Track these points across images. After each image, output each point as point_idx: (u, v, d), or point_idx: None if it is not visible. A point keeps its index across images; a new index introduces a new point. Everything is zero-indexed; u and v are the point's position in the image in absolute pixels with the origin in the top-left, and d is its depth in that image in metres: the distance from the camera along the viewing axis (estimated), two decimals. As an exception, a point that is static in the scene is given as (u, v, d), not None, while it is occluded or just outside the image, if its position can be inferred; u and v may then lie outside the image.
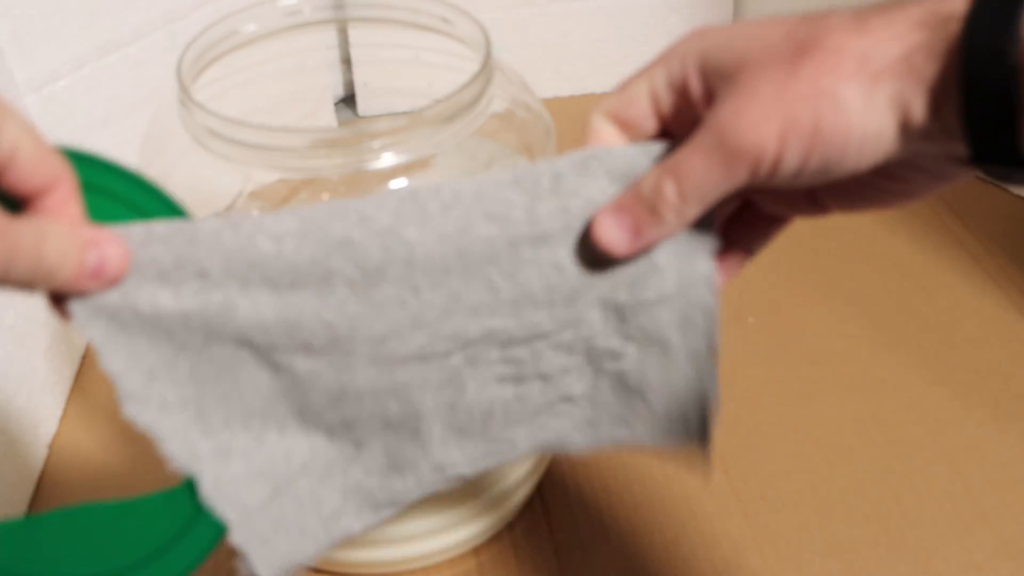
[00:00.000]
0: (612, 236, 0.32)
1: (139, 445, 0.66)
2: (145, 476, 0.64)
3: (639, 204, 0.32)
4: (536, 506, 0.61)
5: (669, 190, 0.31)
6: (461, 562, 0.58)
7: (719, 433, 0.64)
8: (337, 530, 0.37)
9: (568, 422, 0.38)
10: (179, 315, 0.30)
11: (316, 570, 0.57)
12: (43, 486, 0.64)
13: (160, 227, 0.29)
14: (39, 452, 0.65)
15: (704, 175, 0.31)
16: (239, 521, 0.34)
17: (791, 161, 0.30)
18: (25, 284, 0.27)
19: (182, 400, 0.32)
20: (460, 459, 0.37)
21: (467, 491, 0.54)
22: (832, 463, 0.63)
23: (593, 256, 0.33)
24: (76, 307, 0.29)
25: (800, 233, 0.82)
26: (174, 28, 0.76)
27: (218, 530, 0.34)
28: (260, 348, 0.31)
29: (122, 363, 0.31)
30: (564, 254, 0.32)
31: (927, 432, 0.65)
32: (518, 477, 0.56)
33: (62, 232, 0.27)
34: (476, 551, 0.58)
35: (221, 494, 0.33)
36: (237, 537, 0.34)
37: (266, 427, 0.34)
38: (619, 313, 0.34)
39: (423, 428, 0.35)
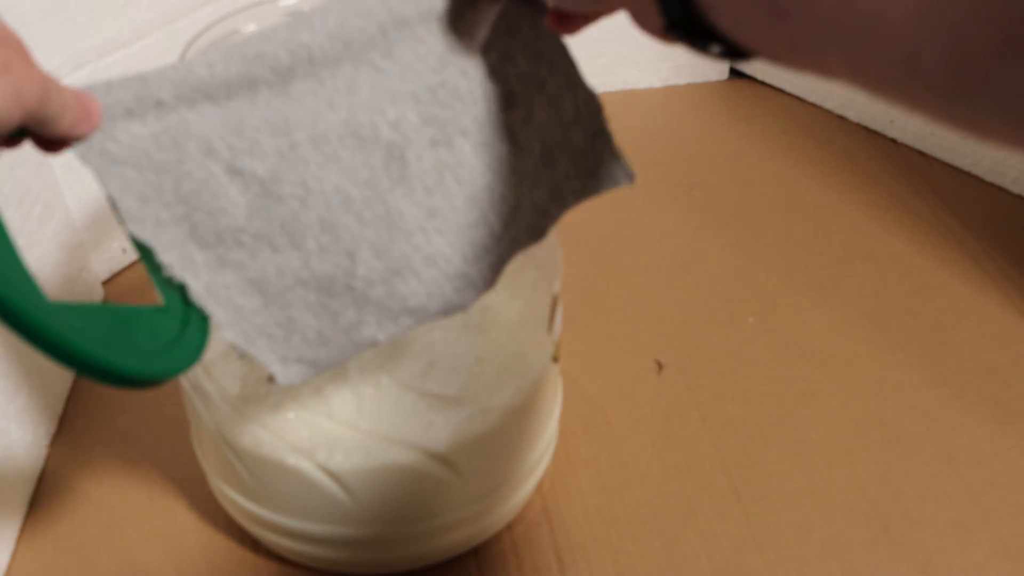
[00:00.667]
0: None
1: (139, 445, 0.66)
2: (145, 476, 0.64)
3: None
4: (536, 506, 0.61)
5: None
6: (461, 561, 0.58)
7: (719, 433, 0.64)
8: (361, 339, 0.42)
9: (500, 174, 0.43)
10: (150, 137, 0.37)
11: (316, 569, 0.57)
12: (43, 486, 0.64)
13: (115, 79, 0.37)
14: (39, 452, 0.65)
15: None
16: (232, 320, 0.39)
17: None
18: (44, 122, 0.33)
19: (175, 218, 0.38)
20: (444, 245, 0.42)
21: (467, 491, 0.54)
22: (832, 463, 0.63)
23: (446, 30, 0.41)
24: (78, 149, 0.36)
25: (800, 233, 0.82)
26: (174, 28, 0.76)
27: (205, 330, 0.38)
28: (222, 157, 0.38)
29: (118, 190, 0.37)
30: (423, 31, 0.41)
31: (927, 432, 0.65)
32: (518, 477, 0.56)
33: (64, 88, 0.34)
34: (476, 551, 0.58)
35: (213, 298, 0.39)
36: (231, 334, 0.39)
37: (258, 245, 0.39)
38: (492, 67, 0.43)
39: (397, 220, 0.41)
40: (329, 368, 0.42)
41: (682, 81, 1.04)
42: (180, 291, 0.39)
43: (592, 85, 0.48)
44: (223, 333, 0.39)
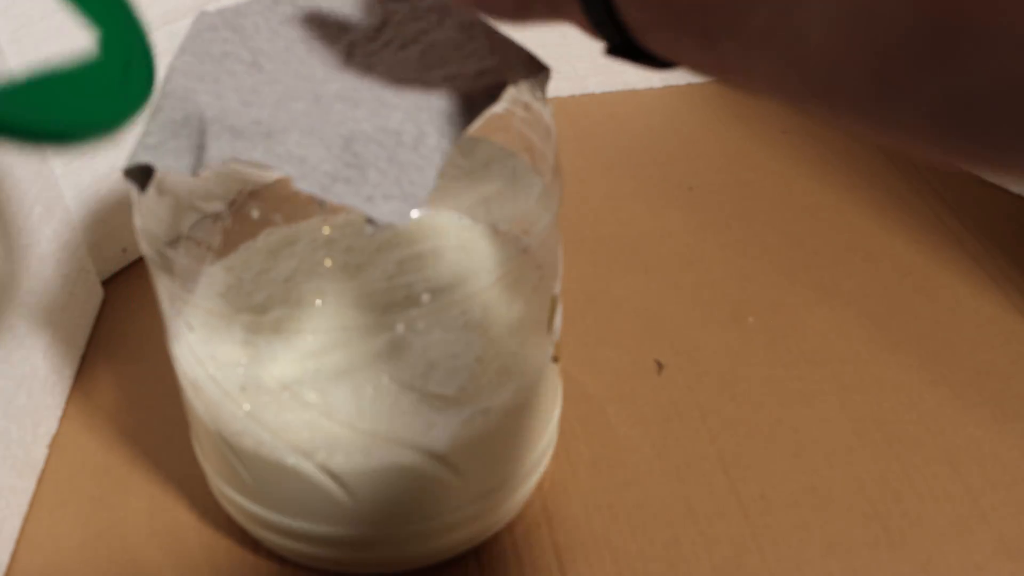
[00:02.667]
0: None
1: (139, 445, 0.66)
2: (145, 476, 0.64)
3: None
4: (536, 506, 0.61)
5: None
6: (461, 562, 0.58)
7: (719, 433, 0.64)
8: (429, 151, 0.42)
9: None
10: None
11: (316, 569, 0.57)
12: (43, 486, 0.64)
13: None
14: (39, 452, 0.65)
15: None
16: (301, 172, 0.40)
17: None
18: None
19: (218, 94, 0.43)
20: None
21: (468, 491, 0.54)
22: (832, 463, 0.63)
23: None
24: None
25: (800, 233, 0.82)
26: (174, 28, 0.76)
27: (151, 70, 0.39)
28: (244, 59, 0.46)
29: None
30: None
31: (927, 432, 0.65)
32: (518, 477, 0.56)
33: None
34: (476, 551, 0.58)
35: (274, 156, 0.40)
36: (304, 185, 0.39)
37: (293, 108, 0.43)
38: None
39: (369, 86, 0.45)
40: (422, 199, 0.41)
41: (682, 81, 1.04)
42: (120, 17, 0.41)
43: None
44: (296, 185, 0.39)
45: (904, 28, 0.21)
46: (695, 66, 0.30)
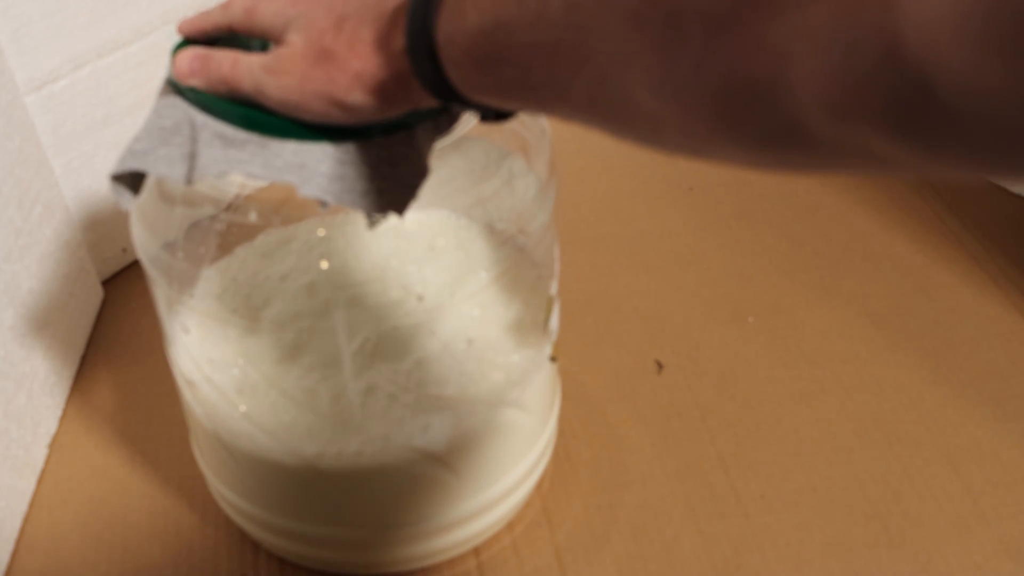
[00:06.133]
0: (180, 63, 0.43)
1: (139, 445, 0.66)
2: (145, 476, 0.64)
3: (208, 62, 0.42)
4: (536, 506, 0.61)
5: (226, 71, 0.42)
6: (461, 562, 0.58)
7: (719, 433, 0.64)
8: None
9: None
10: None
11: (316, 570, 0.57)
12: (43, 486, 0.64)
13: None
14: (39, 452, 0.65)
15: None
16: (302, 179, 0.41)
17: None
18: None
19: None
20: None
21: (466, 491, 0.54)
22: (832, 463, 0.63)
23: None
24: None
25: (800, 233, 0.82)
26: (174, 28, 0.76)
27: None
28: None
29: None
30: None
31: (927, 432, 0.65)
32: (517, 475, 0.56)
33: None
34: (476, 551, 0.58)
35: (272, 169, 0.41)
36: (306, 191, 0.40)
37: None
38: None
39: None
40: (418, 189, 0.41)
41: (682, 81, 1.04)
42: None
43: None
44: (300, 193, 0.40)
45: (699, 98, 0.28)
46: (522, 113, 0.39)
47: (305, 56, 0.39)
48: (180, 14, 0.77)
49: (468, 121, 0.45)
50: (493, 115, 0.40)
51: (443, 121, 0.43)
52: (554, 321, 0.56)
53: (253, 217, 0.51)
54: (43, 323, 0.67)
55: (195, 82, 0.42)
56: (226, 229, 0.53)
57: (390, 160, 0.41)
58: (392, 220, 0.41)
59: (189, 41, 0.46)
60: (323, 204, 0.40)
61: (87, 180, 0.74)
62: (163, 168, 0.41)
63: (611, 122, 0.32)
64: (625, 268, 0.79)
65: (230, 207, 0.50)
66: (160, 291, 0.51)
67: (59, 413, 0.68)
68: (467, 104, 0.38)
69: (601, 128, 0.33)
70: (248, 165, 0.41)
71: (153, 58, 0.75)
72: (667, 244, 0.81)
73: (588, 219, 0.85)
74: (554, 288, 0.56)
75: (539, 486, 0.61)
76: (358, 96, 0.38)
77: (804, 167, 0.31)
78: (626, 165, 0.91)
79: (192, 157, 0.41)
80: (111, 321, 0.76)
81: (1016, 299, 0.74)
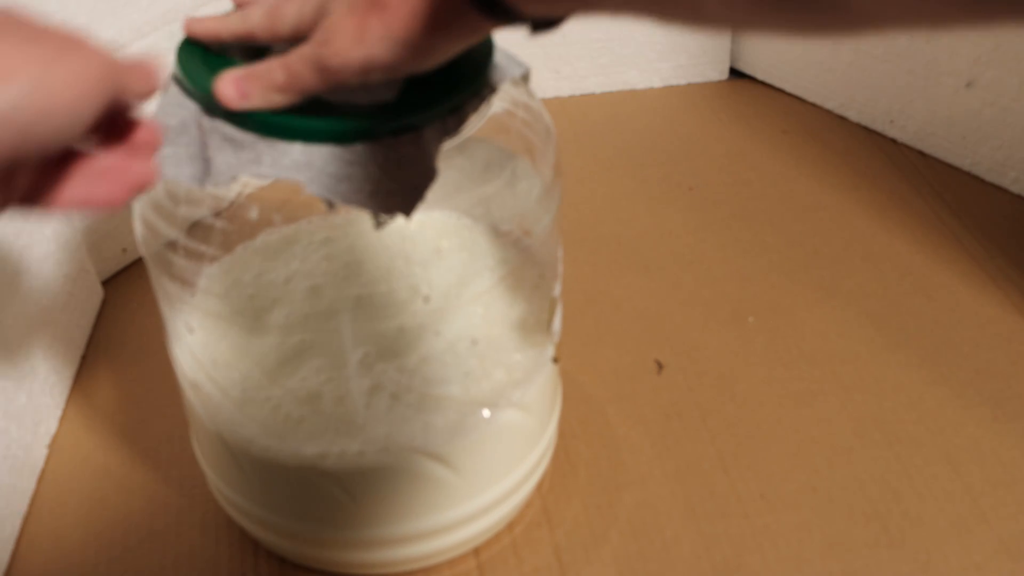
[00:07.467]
0: (226, 91, 0.41)
1: (139, 445, 0.66)
2: (145, 476, 0.64)
3: (255, 80, 0.41)
4: (536, 506, 0.61)
5: (279, 78, 0.41)
6: (461, 562, 0.58)
7: (719, 433, 0.64)
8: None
9: None
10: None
11: (316, 570, 0.57)
12: (43, 486, 0.64)
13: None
14: (39, 452, 0.65)
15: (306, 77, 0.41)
16: (309, 178, 0.41)
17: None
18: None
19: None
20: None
21: (467, 491, 0.54)
22: (832, 463, 0.63)
23: None
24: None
25: (800, 233, 0.82)
26: (174, 28, 0.76)
27: None
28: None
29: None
30: None
31: (927, 432, 0.65)
32: (518, 476, 0.56)
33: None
34: (476, 551, 0.58)
35: (281, 169, 0.41)
36: (313, 190, 0.41)
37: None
38: None
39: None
40: (425, 191, 0.41)
41: (682, 81, 1.04)
42: None
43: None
44: (307, 191, 0.40)
45: None
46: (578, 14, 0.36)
47: (353, 12, 0.38)
48: (180, 14, 0.77)
49: (475, 123, 0.45)
50: (543, 24, 0.38)
51: (450, 122, 0.43)
52: (557, 322, 0.56)
53: (255, 215, 0.51)
54: (43, 323, 0.67)
55: (249, 104, 0.41)
56: (228, 228, 0.52)
57: (398, 161, 0.41)
58: (398, 221, 0.41)
59: (195, 44, 0.46)
60: (329, 205, 0.40)
61: (87, 180, 0.74)
62: (169, 169, 0.41)
63: (655, 3, 0.32)
64: (625, 268, 0.79)
65: (232, 205, 0.50)
66: (163, 290, 0.51)
67: (59, 413, 0.68)
68: (517, 17, 0.37)
69: (643, 12, 0.33)
70: (257, 165, 0.41)
71: (153, 58, 0.74)
72: (667, 244, 0.82)
73: (588, 219, 0.85)
74: (557, 289, 0.56)
75: (539, 486, 0.61)
76: (418, 30, 0.38)
77: (847, 27, 0.29)
78: (626, 165, 0.91)
79: (203, 161, 0.41)
80: (111, 321, 0.76)
81: (1016, 299, 0.74)
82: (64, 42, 0.34)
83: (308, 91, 0.41)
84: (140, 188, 0.36)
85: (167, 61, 0.45)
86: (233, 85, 0.41)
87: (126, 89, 0.36)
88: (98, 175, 0.35)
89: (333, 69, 0.39)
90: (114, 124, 0.37)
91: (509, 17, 0.37)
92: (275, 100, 0.41)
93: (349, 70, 0.39)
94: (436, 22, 0.37)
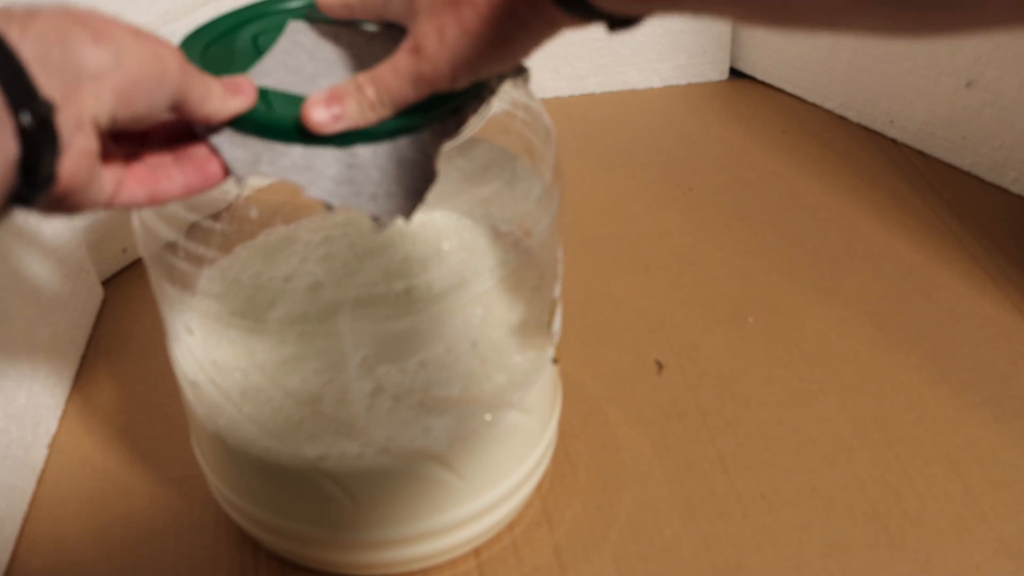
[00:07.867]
0: (318, 116, 0.41)
1: (139, 445, 0.66)
2: (145, 476, 0.64)
3: (345, 99, 0.41)
4: (536, 506, 0.61)
5: (371, 94, 0.41)
6: (461, 562, 0.58)
7: (719, 433, 0.64)
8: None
9: None
10: None
11: (315, 571, 0.57)
12: (43, 486, 0.64)
13: None
14: (39, 452, 0.65)
15: (398, 89, 0.41)
16: (308, 181, 0.41)
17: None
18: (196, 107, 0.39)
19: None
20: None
21: (467, 492, 0.54)
22: (832, 463, 0.63)
23: None
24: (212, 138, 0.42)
25: (801, 233, 0.82)
26: (174, 28, 0.76)
27: None
28: None
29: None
30: None
31: (927, 432, 0.65)
32: (518, 477, 0.56)
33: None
34: (476, 551, 0.58)
35: (285, 171, 0.42)
36: (312, 193, 0.41)
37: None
38: None
39: None
40: (425, 194, 0.41)
41: (682, 81, 1.04)
42: None
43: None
44: (306, 194, 0.40)
45: None
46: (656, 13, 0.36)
47: (434, 13, 0.38)
48: (180, 14, 0.77)
49: (474, 124, 0.45)
50: (621, 22, 0.38)
51: (450, 124, 0.43)
52: (557, 323, 0.56)
53: (254, 215, 0.51)
54: (43, 323, 0.67)
55: (343, 125, 0.41)
56: (228, 229, 0.52)
57: (398, 164, 0.41)
58: (398, 223, 0.41)
59: (196, 43, 0.46)
60: (329, 207, 0.40)
61: (87, 180, 0.74)
62: None
63: (742, 2, 0.31)
64: (625, 268, 0.79)
65: (231, 207, 0.50)
66: (163, 291, 0.51)
67: (59, 413, 0.68)
68: (595, 14, 0.36)
69: (728, 11, 0.32)
70: (256, 164, 0.41)
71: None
72: (667, 244, 0.82)
73: (588, 219, 0.85)
74: (557, 290, 0.56)
75: (539, 486, 0.61)
76: (493, 25, 0.37)
77: (947, 26, 0.28)
78: (626, 166, 0.91)
79: None
80: (111, 321, 0.76)
81: (1016, 299, 0.74)
82: (141, 30, 0.37)
83: (403, 103, 0.40)
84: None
85: None
86: (324, 108, 0.40)
87: (192, 92, 0.38)
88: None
89: (428, 78, 0.39)
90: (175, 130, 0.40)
91: (587, 13, 0.36)
92: (370, 117, 0.41)
93: (441, 76, 0.39)
94: (511, 17, 0.37)
